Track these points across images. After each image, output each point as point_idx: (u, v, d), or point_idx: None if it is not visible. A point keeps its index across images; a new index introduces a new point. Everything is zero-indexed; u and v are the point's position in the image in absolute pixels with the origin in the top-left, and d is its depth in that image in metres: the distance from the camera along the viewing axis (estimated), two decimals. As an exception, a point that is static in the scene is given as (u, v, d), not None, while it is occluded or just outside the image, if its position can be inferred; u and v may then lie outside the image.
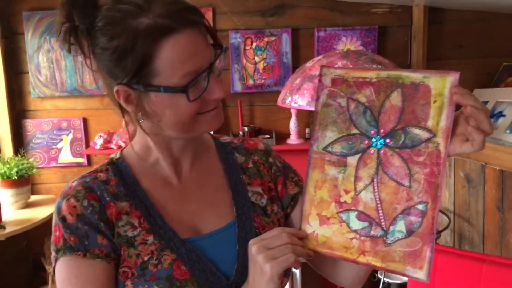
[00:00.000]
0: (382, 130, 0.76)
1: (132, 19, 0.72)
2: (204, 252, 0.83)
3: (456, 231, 2.32)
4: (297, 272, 2.28)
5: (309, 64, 1.91)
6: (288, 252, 0.74)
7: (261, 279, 0.74)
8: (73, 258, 0.78)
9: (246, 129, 2.70)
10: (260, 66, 2.77)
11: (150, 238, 0.81)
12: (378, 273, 2.38)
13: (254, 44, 2.75)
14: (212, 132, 0.99)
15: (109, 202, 0.81)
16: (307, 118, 2.80)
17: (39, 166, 2.79)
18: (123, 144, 2.54)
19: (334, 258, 0.79)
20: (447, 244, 2.39)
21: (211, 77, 0.77)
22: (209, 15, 2.72)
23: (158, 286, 0.77)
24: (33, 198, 2.68)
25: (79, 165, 2.86)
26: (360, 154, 0.78)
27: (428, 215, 0.72)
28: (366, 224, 0.77)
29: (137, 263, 0.79)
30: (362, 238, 0.76)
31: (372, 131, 0.77)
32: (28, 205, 2.58)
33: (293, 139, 2.71)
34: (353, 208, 0.78)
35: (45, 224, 2.18)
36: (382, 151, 0.76)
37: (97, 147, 2.69)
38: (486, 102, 2.35)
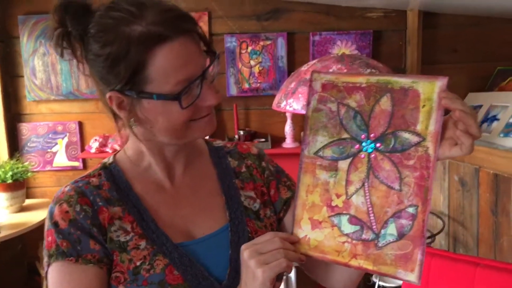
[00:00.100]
0: (372, 135, 0.77)
1: (125, 26, 0.72)
2: (196, 256, 0.83)
3: (450, 234, 2.32)
4: (292, 276, 2.28)
5: (304, 68, 1.91)
6: (280, 257, 0.74)
7: (253, 283, 0.74)
8: (65, 264, 0.77)
9: (241, 132, 2.70)
10: (256, 70, 2.78)
11: (143, 243, 0.81)
12: (373, 276, 2.38)
13: (250, 48, 2.76)
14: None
15: (101, 207, 0.81)
16: (302, 122, 2.79)
17: (34, 170, 2.78)
18: (118, 148, 2.54)
19: (326, 262, 0.80)
20: (442, 247, 2.39)
21: (204, 84, 0.77)
22: (204, 19, 2.72)
23: (150, 291, 0.78)
24: (28, 201, 2.68)
25: (74, 168, 2.85)
26: (351, 159, 0.79)
27: (419, 218, 0.73)
28: (357, 227, 0.77)
29: (130, 268, 0.79)
30: (354, 241, 0.77)
31: (363, 136, 0.78)
32: (23, 209, 2.58)
33: (289, 143, 2.71)
34: (344, 212, 0.78)
35: (40, 228, 2.17)
36: (372, 155, 0.77)
37: (93, 150, 2.68)
38: (480, 106, 2.36)
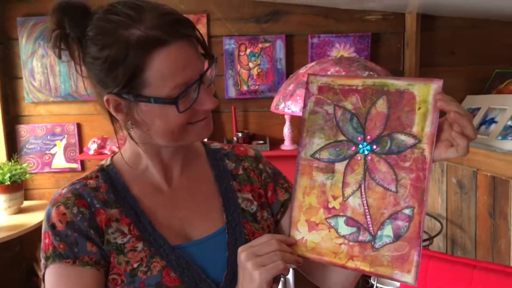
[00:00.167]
0: (368, 137, 0.77)
1: (123, 29, 0.72)
2: (193, 258, 0.83)
3: (448, 237, 2.32)
4: (290, 278, 2.28)
5: (302, 70, 1.92)
6: (277, 259, 0.74)
7: (250, 286, 0.74)
8: (62, 266, 0.77)
9: (240, 134, 2.70)
10: (254, 72, 2.78)
11: (140, 245, 0.81)
12: (371, 279, 2.38)
13: (248, 50, 2.77)
14: (203, 139, 1.00)
15: (99, 209, 0.81)
16: (300, 124, 2.81)
17: (33, 172, 2.78)
18: (116, 150, 2.54)
19: (323, 263, 0.80)
20: (440, 250, 2.39)
21: (201, 88, 0.77)
22: (203, 21, 2.73)
23: (147, 293, 0.78)
24: (26, 203, 2.67)
25: (72, 170, 2.85)
26: (347, 161, 0.79)
27: (415, 220, 0.74)
28: (354, 229, 0.77)
29: (127, 270, 0.79)
30: (351, 243, 0.77)
31: (359, 138, 0.78)
32: (21, 211, 2.58)
33: (287, 145, 2.71)
34: (341, 213, 0.79)
35: (38, 230, 2.16)
36: (369, 157, 0.77)
37: (91, 152, 2.68)
38: (478, 109, 2.36)
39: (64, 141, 2.84)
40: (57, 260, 0.78)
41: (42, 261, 0.80)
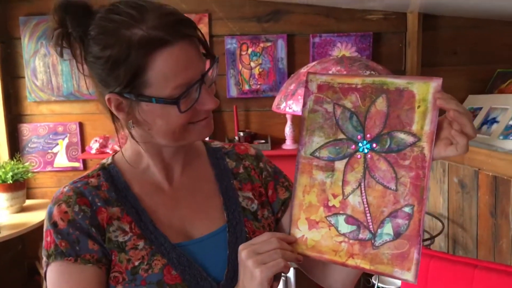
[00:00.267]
0: (368, 135, 0.78)
1: (125, 29, 0.73)
2: (194, 257, 0.83)
3: (450, 236, 2.32)
4: (291, 277, 2.28)
5: (303, 70, 1.92)
6: (278, 257, 0.74)
7: (251, 284, 0.74)
8: (64, 263, 0.78)
9: (241, 134, 2.70)
10: (256, 71, 2.78)
11: (141, 243, 0.81)
12: (373, 278, 2.38)
13: (250, 50, 2.77)
14: (203, 137, 1.00)
15: (100, 207, 0.82)
16: (302, 124, 2.81)
17: (35, 170, 2.79)
18: (119, 149, 2.54)
19: (324, 261, 0.80)
20: (441, 249, 2.39)
21: (202, 88, 0.78)
22: (205, 21, 2.73)
23: (148, 290, 0.78)
24: (29, 202, 2.68)
25: (74, 169, 2.86)
26: (347, 159, 0.79)
27: (415, 218, 0.74)
28: (354, 227, 0.78)
29: (128, 268, 0.79)
30: (351, 241, 0.78)
31: (359, 136, 0.78)
32: (23, 209, 2.58)
33: (289, 144, 2.72)
34: (341, 212, 0.79)
35: (40, 228, 2.17)
36: (368, 156, 0.77)
37: (93, 151, 2.69)
38: (480, 109, 2.36)
39: (66, 140, 2.84)
40: (58, 258, 0.78)
41: (44, 259, 0.81)
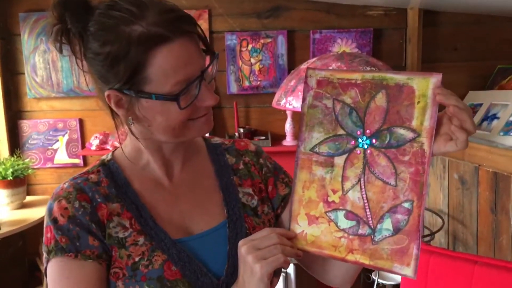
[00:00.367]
0: (368, 131, 0.78)
1: (125, 26, 0.72)
2: (194, 252, 0.84)
3: (450, 232, 2.32)
4: (291, 273, 2.28)
5: (304, 66, 1.92)
6: (278, 252, 0.75)
7: (251, 279, 0.74)
8: (64, 259, 0.78)
9: (241, 130, 2.70)
10: (256, 67, 2.78)
11: (141, 239, 0.81)
12: (373, 274, 2.38)
13: (250, 46, 2.76)
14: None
15: (100, 203, 0.82)
16: (302, 120, 2.81)
17: (35, 167, 2.79)
18: (118, 145, 2.54)
19: (323, 257, 0.81)
20: (441, 245, 2.40)
21: (202, 84, 0.78)
22: (205, 17, 2.73)
23: (149, 286, 0.78)
24: (29, 198, 2.69)
25: (75, 166, 2.86)
26: (346, 154, 0.79)
27: (414, 213, 0.74)
28: (354, 223, 0.78)
29: (128, 264, 0.79)
30: (350, 236, 0.78)
31: (358, 132, 0.78)
32: (23, 206, 2.59)
33: (289, 141, 2.72)
34: (341, 207, 0.79)
35: (41, 225, 2.17)
36: (368, 151, 0.77)
37: (93, 148, 2.69)
38: (480, 105, 2.36)
39: (66, 136, 2.84)
40: (59, 254, 0.78)
41: (44, 255, 0.81)
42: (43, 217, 2.54)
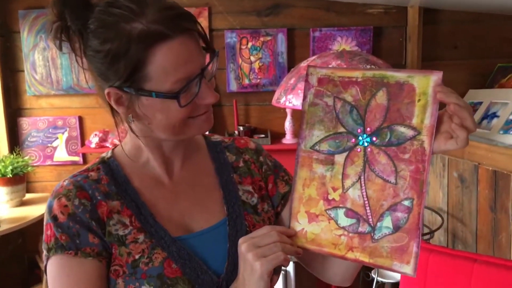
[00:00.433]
0: (368, 129, 0.78)
1: (125, 23, 0.72)
2: (194, 250, 0.84)
3: (449, 231, 2.33)
4: (291, 271, 2.29)
5: (303, 64, 1.91)
6: (278, 250, 0.75)
7: (251, 277, 0.75)
8: (64, 257, 0.78)
9: (241, 128, 2.70)
10: (256, 65, 2.78)
11: (141, 237, 0.81)
12: (372, 272, 2.39)
13: (250, 44, 2.76)
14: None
15: (100, 201, 0.82)
16: (302, 118, 2.81)
17: (35, 164, 2.79)
18: (118, 143, 2.54)
19: (323, 255, 0.81)
20: (441, 243, 2.40)
21: (202, 82, 0.77)
22: (204, 15, 2.72)
23: (149, 284, 0.78)
24: (28, 196, 2.69)
25: (74, 163, 2.86)
26: (347, 152, 0.79)
27: (414, 211, 0.74)
28: (354, 220, 0.78)
29: (128, 262, 0.79)
30: (350, 234, 0.78)
31: (359, 130, 0.78)
32: (23, 203, 2.59)
33: (288, 139, 2.72)
34: (341, 205, 0.79)
35: (40, 222, 2.17)
36: (368, 149, 0.77)
37: (93, 145, 2.69)
38: (480, 103, 2.36)
39: (66, 134, 2.84)
40: (59, 252, 0.78)
41: (44, 252, 0.81)
42: (42, 215, 2.53)
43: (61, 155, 2.85)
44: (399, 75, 0.76)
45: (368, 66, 1.72)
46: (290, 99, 1.79)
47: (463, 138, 0.71)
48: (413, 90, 0.75)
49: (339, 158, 0.80)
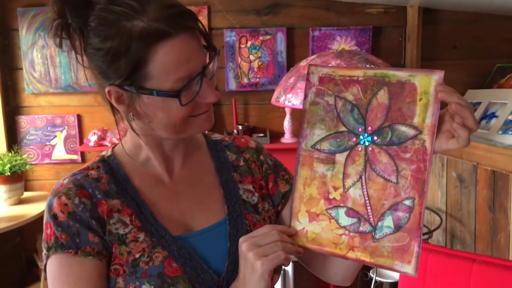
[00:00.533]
0: (369, 128, 0.78)
1: (126, 21, 0.72)
2: (195, 249, 0.83)
3: (448, 231, 2.33)
4: (289, 270, 2.29)
5: (303, 63, 1.91)
6: (279, 249, 0.74)
7: (252, 276, 0.74)
8: (64, 256, 0.78)
9: (240, 127, 2.70)
10: (255, 64, 2.77)
11: (142, 236, 0.81)
12: (370, 272, 2.39)
13: (249, 43, 2.76)
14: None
15: (100, 199, 0.81)
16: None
17: (33, 163, 2.78)
18: (117, 142, 2.53)
19: (324, 254, 0.80)
20: (439, 243, 2.40)
21: (203, 80, 0.77)
22: (204, 13, 2.72)
23: (149, 283, 0.78)
24: (26, 194, 2.68)
25: (73, 161, 2.85)
26: (348, 152, 0.79)
27: (415, 211, 0.74)
28: (355, 220, 0.78)
29: (129, 261, 0.79)
30: (351, 234, 0.78)
31: (360, 129, 0.78)
32: (21, 202, 2.58)
33: (288, 138, 2.71)
34: (342, 204, 0.79)
35: (38, 221, 2.17)
36: (369, 148, 0.77)
37: (91, 144, 2.68)
38: (479, 103, 2.36)
39: (64, 132, 2.84)
40: (59, 251, 0.78)
41: (44, 251, 0.81)
42: (40, 213, 2.54)
43: (60, 153, 2.85)
44: (401, 74, 0.76)
45: (368, 66, 1.72)
46: (289, 98, 1.78)
47: (464, 138, 0.71)
48: (414, 89, 0.74)
49: (340, 157, 0.79)
